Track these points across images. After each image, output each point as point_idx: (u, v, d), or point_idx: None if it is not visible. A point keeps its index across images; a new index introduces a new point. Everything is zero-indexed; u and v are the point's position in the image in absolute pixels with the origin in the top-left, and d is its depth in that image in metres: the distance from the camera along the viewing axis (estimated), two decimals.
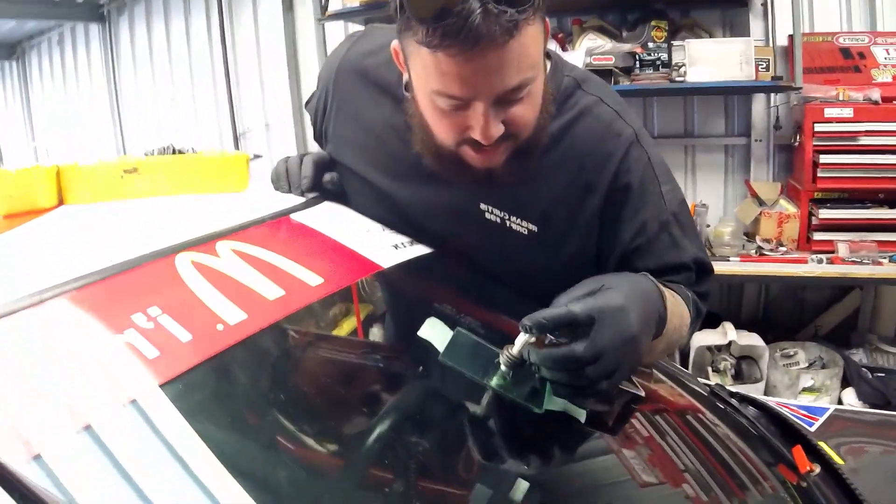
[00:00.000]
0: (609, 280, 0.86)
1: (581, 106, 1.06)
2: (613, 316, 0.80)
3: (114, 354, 0.60)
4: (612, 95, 1.10)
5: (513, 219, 1.08)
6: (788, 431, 1.26)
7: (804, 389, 3.09)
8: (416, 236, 1.15)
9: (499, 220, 1.08)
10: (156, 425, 0.53)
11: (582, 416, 0.82)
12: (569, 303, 0.79)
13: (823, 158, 3.05)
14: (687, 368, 2.99)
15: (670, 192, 1.08)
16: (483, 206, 1.09)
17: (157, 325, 0.64)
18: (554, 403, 0.81)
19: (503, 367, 0.80)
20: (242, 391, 0.73)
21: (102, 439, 0.50)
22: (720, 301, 3.75)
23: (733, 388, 1.45)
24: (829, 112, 3.06)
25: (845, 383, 3.15)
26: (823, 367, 3.20)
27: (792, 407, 1.44)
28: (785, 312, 3.78)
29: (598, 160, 1.05)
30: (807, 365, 3.20)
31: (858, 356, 3.32)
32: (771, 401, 1.42)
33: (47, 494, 0.40)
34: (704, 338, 3.13)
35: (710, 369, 3.07)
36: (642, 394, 0.84)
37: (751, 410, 1.35)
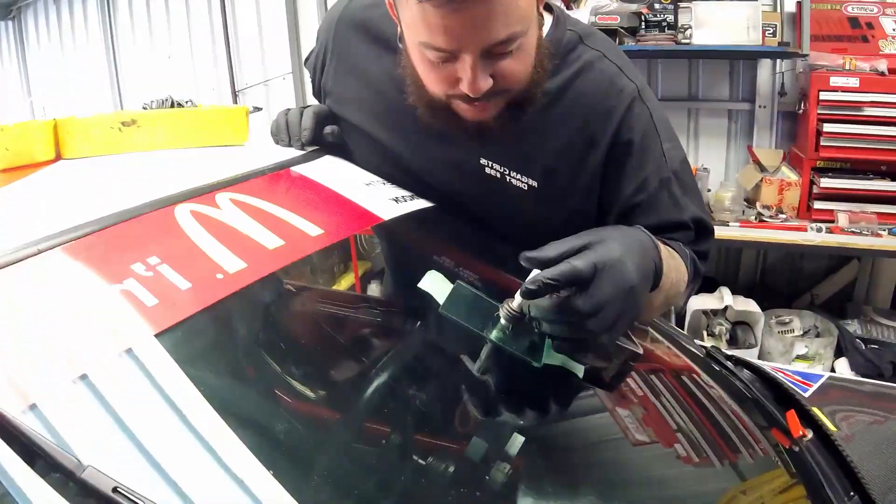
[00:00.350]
0: (605, 232, 0.85)
1: (583, 61, 1.04)
2: (612, 267, 0.79)
3: (112, 303, 0.60)
4: (615, 51, 1.08)
5: (513, 174, 1.08)
6: (783, 396, 1.27)
7: (798, 357, 3.12)
8: (417, 190, 1.15)
9: (499, 174, 1.08)
10: (152, 373, 0.53)
11: (580, 371, 0.82)
12: (570, 258, 0.78)
13: (827, 127, 3.03)
14: (683, 329, 3.01)
15: (672, 149, 1.07)
16: (483, 161, 1.08)
17: (156, 274, 0.64)
18: (552, 358, 0.81)
19: (503, 321, 0.80)
20: (241, 340, 0.73)
21: (98, 388, 0.50)
22: (717, 266, 3.77)
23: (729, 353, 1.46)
24: (835, 81, 3.03)
25: (839, 353, 3.18)
26: (818, 335, 3.22)
27: (787, 372, 1.45)
28: (782, 280, 3.79)
29: (600, 115, 1.04)
30: (801, 333, 3.22)
31: (853, 327, 3.33)
32: (766, 365, 1.43)
33: (46, 442, 0.40)
34: (701, 302, 3.15)
35: (704, 333, 3.10)
36: (640, 351, 0.84)
37: (746, 374, 1.35)
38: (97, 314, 0.59)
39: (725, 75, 3.50)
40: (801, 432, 1.13)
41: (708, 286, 3.30)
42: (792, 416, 1.16)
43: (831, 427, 1.15)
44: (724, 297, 3.13)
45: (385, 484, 0.68)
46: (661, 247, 0.95)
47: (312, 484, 0.59)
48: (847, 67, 3.08)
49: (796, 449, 1.09)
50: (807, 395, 1.32)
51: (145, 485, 0.41)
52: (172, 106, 1.47)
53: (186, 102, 1.55)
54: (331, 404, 0.77)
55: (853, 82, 3.03)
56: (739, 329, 3.14)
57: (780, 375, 1.36)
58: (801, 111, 3.23)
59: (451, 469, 0.72)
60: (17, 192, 0.91)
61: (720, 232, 3.08)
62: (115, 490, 0.36)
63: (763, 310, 3.21)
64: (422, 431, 0.79)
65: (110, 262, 0.65)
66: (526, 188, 1.08)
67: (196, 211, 0.77)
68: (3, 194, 0.89)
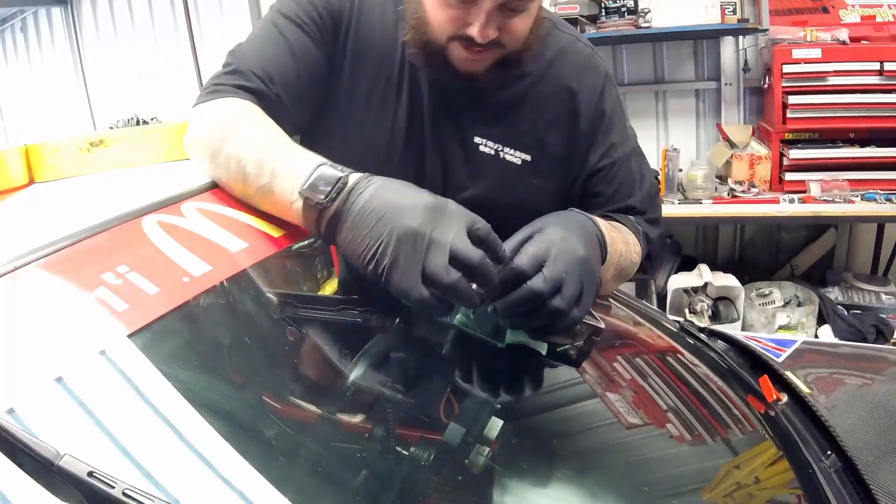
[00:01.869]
0: (541, 221, 0.91)
1: (561, 43, 1.15)
2: (559, 245, 0.84)
3: (85, 310, 0.62)
4: (582, 36, 1.20)
5: (507, 150, 1.13)
6: (757, 363, 1.30)
7: (780, 327, 3.16)
8: (408, 174, 1.16)
9: (493, 152, 1.13)
10: (126, 373, 0.56)
11: (543, 349, 0.85)
12: (514, 260, 0.83)
13: (792, 99, 3.08)
14: (665, 310, 3.04)
15: (631, 129, 1.21)
16: (477, 140, 1.13)
17: (125, 282, 0.66)
18: (516, 337, 0.84)
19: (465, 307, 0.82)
20: (210, 338, 0.76)
21: (74, 388, 0.52)
22: (696, 244, 3.82)
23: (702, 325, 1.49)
24: (797, 53, 3.08)
25: (821, 321, 3.23)
26: (799, 305, 3.27)
27: (761, 340, 1.48)
28: (761, 254, 3.85)
29: (583, 90, 1.14)
30: (783, 304, 3.27)
31: (834, 294, 3.39)
32: (739, 334, 1.46)
33: (24, 435, 0.42)
34: (681, 280, 3.20)
35: (687, 311, 3.14)
36: (602, 325, 0.87)
37: (720, 344, 1.38)
38: (71, 321, 0.61)
39: (690, 56, 3.55)
40: (775, 396, 1.17)
41: (687, 264, 3.35)
42: (765, 381, 1.19)
43: (805, 389, 1.18)
44: (703, 275, 3.18)
45: (361, 469, 0.70)
46: (601, 221, 1.02)
47: (288, 470, 0.61)
48: (808, 39, 3.13)
49: (772, 413, 1.12)
50: (780, 360, 1.35)
51: (120, 473, 0.43)
52: (138, 124, 1.49)
53: (151, 120, 1.58)
54: (304, 394, 0.80)
55: (815, 53, 3.08)
56: (721, 304, 3.19)
57: (752, 343, 1.39)
58: (766, 86, 3.28)
59: (430, 455, 0.74)
60: None
61: (694, 210, 3.13)
62: (90, 474, 0.38)
63: (743, 284, 3.26)
64: (398, 419, 0.81)
65: (82, 273, 0.67)
66: (520, 162, 1.14)
67: (162, 221, 0.80)
68: None
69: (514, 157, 1.13)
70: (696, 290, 3.17)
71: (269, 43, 1.06)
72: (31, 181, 1.30)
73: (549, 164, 1.14)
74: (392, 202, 0.77)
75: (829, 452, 0.99)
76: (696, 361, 1.24)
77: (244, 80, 1.02)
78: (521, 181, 1.14)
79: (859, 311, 3.31)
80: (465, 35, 0.96)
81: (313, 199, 0.80)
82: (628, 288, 3.43)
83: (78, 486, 0.38)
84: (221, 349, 0.76)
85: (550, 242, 0.84)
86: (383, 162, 1.15)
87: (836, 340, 3.00)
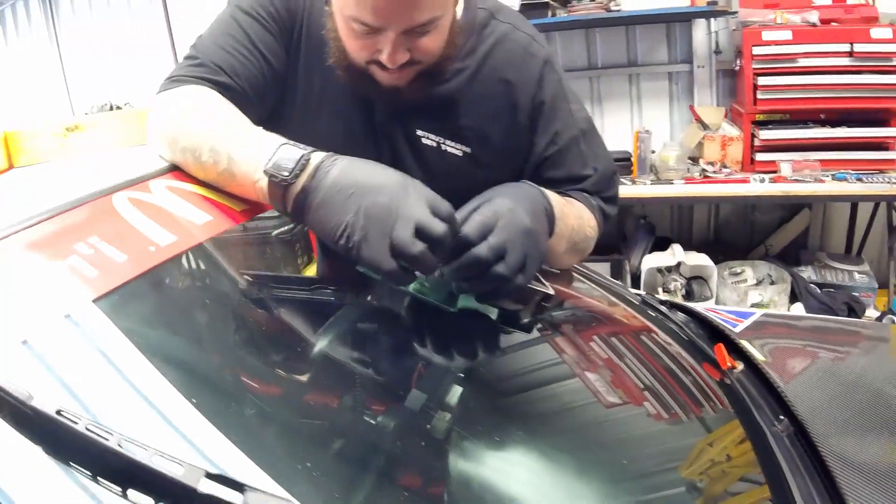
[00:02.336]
0: (492, 192, 0.96)
1: (498, 34, 1.15)
2: (505, 216, 0.89)
3: (57, 277, 0.66)
4: (525, 23, 1.20)
5: (447, 142, 1.16)
6: (714, 334, 1.35)
7: (753, 305, 3.22)
8: None
9: (434, 144, 1.16)
10: (90, 333, 0.60)
11: (493, 313, 0.90)
12: (462, 228, 0.87)
13: (762, 80, 3.14)
14: (638, 289, 3.10)
15: (578, 111, 1.21)
16: (419, 133, 1.16)
17: (96, 251, 0.70)
18: (467, 302, 0.89)
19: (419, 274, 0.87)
20: (175, 303, 0.80)
21: (39, 349, 0.56)
22: (671, 224, 3.88)
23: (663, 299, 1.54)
24: (767, 35, 3.13)
25: (794, 299, 3.28)
26: (772, 283, 3.33)
27: (720, 311, 1.53)
28: (736, 235, 3.91)
29: (521, 80, 1.15)
30: (755, 282, 3.33)
31: (807, 273, 3.45)
32: (700, 306, 1.51)
33: (4, 382, 0.46)
34: (654, 260, 3.25)
35: (660, 290, 3.19)
36: (551, 291, 0.92)
37: (680, 316, 1.43)
38: (44, 288, 0.65)
39: (663, 39, 3.60)
40: (729, 364, 1.21)
41: (661, 244, 3.41)
42: (719, 350, 1.24)
43: (759, 357, 1.23)
44: (676, 254, 3.23)
45: (317, 425, 0.74)
46: (553, 195, 1.06)
47: (240, 421, 0.66)
48: (779, 21, 3.18)
49: (727, 381, 1.17)
50: (737, 329, 1.40)
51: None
52: (112, 109, 1.52)
53: (125, 105, 1.61)
54: (258, 354, 0.84)
55: (786, 35, 3.13)
56: (695, 283, 3.24)
57: (712, 314, 1.44)
58: (737, 68, 3.33)
59: (394, 423, 0.79)
60: None
61: (666, 190, 3.19)
62: (58, 412, 0.42)
63: (718, 264, 3.31)
64: (365, 390, 0.85)
65: (56, 244, 0.72)
66: (461, 154, 1.16)
67: (132, 197, 0.84)
68: None
69: (455, 149, 1.16)
70: (669, 269, 3.23)
71: (230, 37, 1.09)
72: (11, 166, 1.32)
73: (491, 155, 1.17)
74: (360, 180, 0.81)
75: (781, 417, 1.03)
76: (657, 332, 1.29)
77: (210, 73, 1.05)
78: (463, 173, 1.16)
79: (832, 290, 3.37)
80: (377, 60, 0.99)
81: (278, 176, 0.83)
82: (603, 268, 3.49)
83: (47, 424, 0.42)
84: (186, 313, 0.81)
85: (497, 213, 0.89)
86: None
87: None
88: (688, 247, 3.39)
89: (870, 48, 3.08)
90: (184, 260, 0.85)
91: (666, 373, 1.16)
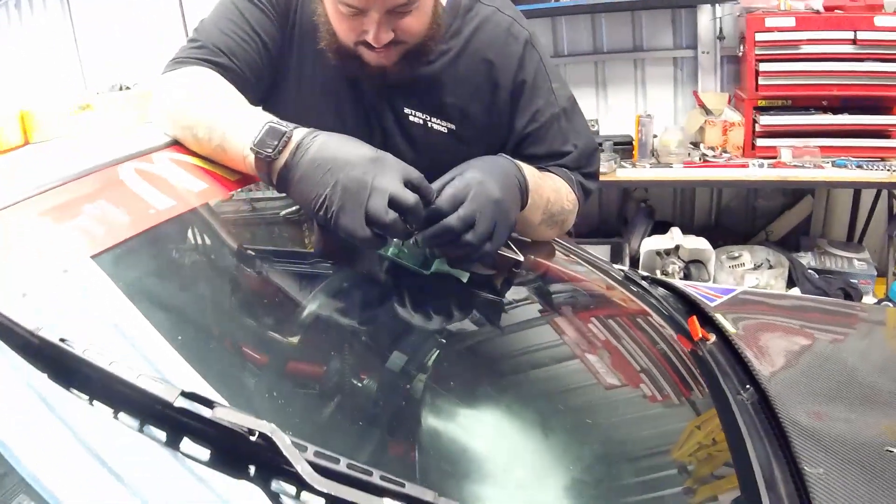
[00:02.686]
0: (466, 165, 1.02)
1: (481, 17, 1.22)
2: (475, 188, 0.96)
3: (65, 236, 0.75)
4: (509, 6, 1.26)
5: (433, 119, 1.24)
6: (692, 308, 1.40)
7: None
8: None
9: (421, 121, 1.24)
10: (89, 287, 0.68)
11: (464, 277, 0.97)
12: (435, 200, 0.94)
13: (763, 66, 3.17)
14: (637, 271, 3.14)
15: (560, 89, 1.26)
16: (407, 111, 1.24)
17: (102, 213, 0.78)
18: (441, 267, 0.97)
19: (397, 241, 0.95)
20: (169, 260, 0.88)
21: (39, 300, 0.64)
22: (673, 210, 3.92)
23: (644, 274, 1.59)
24: (771, 21, 3.16)
25: (792, 284, 3.34)
26: (770, 268, 3.37)
27: (701, 288, 1.59)
28: (738, 220, 3.94)
29: (502, 60, 1.21)
30: (753, 266, 3.37)
31: (806, 259, 3.49)
32: (680, 283, 1.57)
33: (5, 316, 0.53)
34: (653, 242, 3.30)
35: (659, 272, 3.24)
36: (521, 258, 0.98)
37: (660, 291, 1.49)
38: (50, 245, 0.73)
39: (668, 24, 3.62)
40: (700, 335, 1.27)
41: (663, 230, 3.46)
42: (692, 322, 1.30)
43: (730, 329, 1.28)
44: (674, 237, 3.28)
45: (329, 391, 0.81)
46: (527, 167, 1.12)
47: (221, 363, 0.74)
48: (782, 8, 3.21)
49: (700, 353, 1.22)
50: (713, 304, 1.45)
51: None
52: (121, 90, 1.59)
53: (133, 85, 1.68)
54: (245, 311, 0.91)
55: (789, 22, 3.16)
56: (693, 267, 3.29)
57: (693, 291, 1.50)
58: (741, 54, 3.36)
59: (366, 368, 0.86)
60: None
61: (666, 174, 3.24)
62: (61, 340, 0.50)
63: (717, 248, 3.36)
64: (353, 352, 0.92)
65: (66, 207, 0.79)
66: (446, 131, 1.24)
67: (137, 168, 0.92)
68: None
69: (440, 126, 1.23)
70: (668, 252, 3.28)
71: (229, 21, 1.17)
72: (27, 142, 1.40)
73: (473, 132, 1.24)
74: (336, 156, 0.89)
75: (747, 387, 1.07)
76: (634, 303, 1.34)
77: (211, 54, 1.13)
78: (447, 148, 1.23)
79: (831, 276, 3.41)
80: (364, 40, 1.07)
81: (262, 152, 0.91)
82: (603, 251, 3.54)
83: (52, 351, 0.50)
84: (181, 269, 0.89)
85: (468, 185, 0.96)
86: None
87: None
88: (689, 231, 3.44)
89: (873, 36, 3.11)
90: (189, 233, 0.93)
91: (637, 342, 1.21)
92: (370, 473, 0.47)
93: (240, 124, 0.97)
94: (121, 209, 0.80)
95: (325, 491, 0.44)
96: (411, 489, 0.46)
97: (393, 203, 0.87)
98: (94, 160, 0.92)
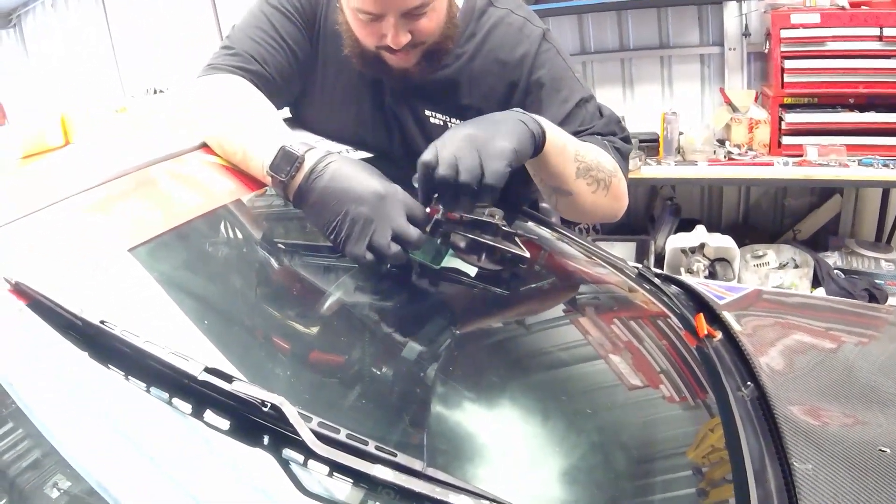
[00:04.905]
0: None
1: (494, 19, 1.28)
2: (446, 134, 1.00)
3: (104, 231, 0.82)
4: (521, 7, 1.31)
5: (453, 120, 1.30)
6: (702, 305, 1.43)
7: (774, 287, 3.26)
8: (367, 146, 1.35)
9: (441, 122, 1.30)
10: (126, 278, 0.75)
11: (472, 271, 1.02)
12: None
13: (789, 64, 3.15)
14: (662, 269, 3.15)
15: (582, 79, 1.31)
16: (427, 113, 1.31)
17: (134, 209, 0.86)
18: (450, 262, 1.02)
19: None
20: (204, 256, 0.96)
21: (80, 291, 0.71)
22: (701, 208, 3.92)
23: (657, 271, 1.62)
24: (795, 18, 3.14)
25: (817, 284, 3.31)
26: (796, 267, 3.35)
27: (713, 286, 1.62)
28: (766, 219, 3.92)
29: (516, 60, 1.27)
30: (778, 265, 3.36)
31: (833, 259, 3.45)
32: (692, 280, 1.60)
33: (56, 303, 0.61)
34: (678, 240, 3.31)
35: (683, 270, 3.25)
36: (527, 255, 1.02)
37: (673, 288, 1.53)
38: (91, 239, 0.81)
39: (694, 21, 3.60)
40: (706, 331, 1.30)
41: (688, 227, 3.47)
42: (699, 319, 1.33)
43: (736, 327, 1.30)
44: (699, 235, 3.28)
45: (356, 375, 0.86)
46: (544, 119, 1.12)
47: (243, 345, 0.81)
48: (808, 4, 3.19)
49: (705, 349, 1.24)
50: (722, 302, 1.47)
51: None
52: (155, 93, 1.68)
53: (167, 89, 1.78)
54: (289, 310, 0.98)
55: (814, 18, 3.13)
56: (718, 265, 3.28)
57: (702, 288, 1.53)
58: (767, 51, 3.35)
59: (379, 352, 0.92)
60: (38, 168, 1.13)
61: (690, 172, 3.25)
62: (101, 322, 0.57)
63: (744, 247, 3.35)
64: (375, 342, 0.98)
65: (104, 205, 0.88)
66: None
67: (168, 169, 1.00)
68: (29, 172, 1.11)
69: None
70: (693, 250, 3.28)
71: (259, 29, 1.25)
72: (67, 143, 1.50)
73: None
74: (346, 188, 0.95)
75: (748, 384, 1.09)
76: (644, 299, 1.38)
77: (243, 62, 1.22)
78: None
79: (857, 277, 3.37)
80: (384, 44, 1.13)
81: (277, 177, 0.98)
82: (629, 248, 3.57)
83: (93, 331, 0.57)
84: (208, 261, 0.96)
85: (447, 134, 1.00)
86: (355, 137, 1.35)
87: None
88: (716, 230, 3.43)
89: None
90: (216, 228, 1.00)
91: (643, 338, 1.24)
92: (366, 443, 0.53)
93: (259, 145, 1.04)
94: (154, 207, 0.87)
95: (326, 455, 0.50)
96: (402, 458, 0.53)
97: (397, 238, 0.94)
98: (129, 162, 1.00)
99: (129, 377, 0.58)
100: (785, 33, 3.14)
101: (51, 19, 5.29)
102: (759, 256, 3.33)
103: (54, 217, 0.83)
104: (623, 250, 3.46)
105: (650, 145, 3.42)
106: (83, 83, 5.16)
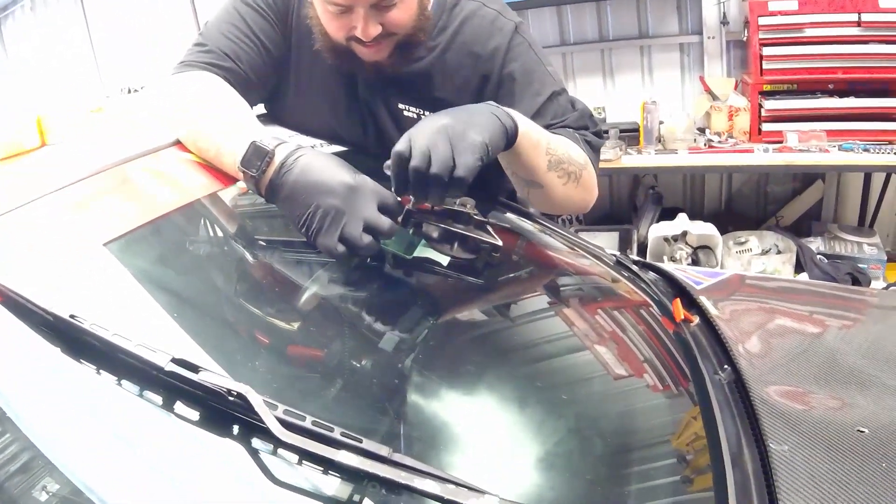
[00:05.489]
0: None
1: (466, 12, 1.28)
2: (418, 125, 1.00)
3: (79, 226, 0.83)
4: (495, 0, 1.31)
5: (426, 113, 1.29)
6: (679, 290, 1.44)
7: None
8: (341, 140, 1.36)
9: (415, 115, 1.31)
10: (102, 270, 0.76)
11: (444, 260, 1.03)
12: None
13: (767, 51, 3.18)
14: (645, 258, 3.18)
15: (555, 73, 1.31)
16: (401, 106, 1.31)
17: (110, 205, 0.87)
18: (422, 251, 1.03)
19: None
20: (176, 250, 0.97)
21: (56, 287, 0.72)
22: (684, 197, 3.94)
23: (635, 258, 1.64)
24: (773, 5, 3.17)
25: (800, 269, 3.33)
26: (779, 253, 3.38)
27: (690, 272, 1.64)
28: (749, 206, 3.95)
29: (489, 53, 1.27)
30: (760, 252, 3.39)
31: (816, 244, 3.48)
32: (670, 266, 1.62)
33: (33, 301, 0.62)
34: (661, 229, 3.33)
35: (666, 258, 3.27)
36: (499, 243, 1.03)
37: (650, 275, 1.54)
38: (66, 235, 0.82)
39: (673, 10, 3.62)
40: (682, 316, 1.32)
41: (671, 215, 3.49)
42: (676, 304, 1.35)
43: (712, 311, 1.32)
44: (682, 223, 3.31)
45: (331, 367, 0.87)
46: (515, 112, 1.13)
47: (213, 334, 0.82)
48: None
49: (682, 334, 1.25)
50: (699, 287, 1.49)
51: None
52: (129, 92, 1.68)
53: (142, 88, 1.78)
54: (264, 300, 1.00)
55: (792, 5, 3.16)
56: (701, 253, 3.31)
57: (680, 273, 1.54)
58: (746, 38, 3.37)
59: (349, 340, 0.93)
60: (14, 169, 1.14)
61: (671, 160, 3.26)
62: (71, 316, 0.58)
63: (726, 233, 3.38)
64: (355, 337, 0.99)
65: (80, 201, 0.88)
66: None
67: (144, 166, 1.01)
68: (4, 173, 1.12)
69: None
70: (675, 238, 3.30)
71: (232, 26, 1.25)
72: (43, 144, 1.50)
73: None
74: (316, 181, 0.95)
75: (725, 367, 1.09)
76: (625, 286, 1.40)
77: (216, 58, 1.22)
78: None
79: (839, 261, 3.40)
80: (354, 36, 1.13)
81: (248, 171, 0.99)
82: (612, 237, 3.59)
83: (63, 325, 0.58)
84: (182, 255, 0.97)
85: (421, 124, 1.00)
86: (330, 131, 1.36)
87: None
88: (699, 218, 3.45)
89: (878, 18, 3.10)
90: (190, 222, 1.01)
91: (621, 323, 1.26)
92: (331, 430, 0.54)
93: (231, 141, 1.04)
94: (129, 202, 0.88)
95: (291, 442, 0.51)
96: (368, 444, 0.54)
97: (368, 228, 0.94)
98: (105, 160, 1.01)
99: (101, 371, 0.59)
100: (763, 20, 3.16)
101: (30, 21, 5.25)
102: (742, 243, 3.36)
103: (30, 215, 0.84)
104: (606, 240, 3.48)
105: (631, 134, 3.44)
106: (63, 84, 5.13)
